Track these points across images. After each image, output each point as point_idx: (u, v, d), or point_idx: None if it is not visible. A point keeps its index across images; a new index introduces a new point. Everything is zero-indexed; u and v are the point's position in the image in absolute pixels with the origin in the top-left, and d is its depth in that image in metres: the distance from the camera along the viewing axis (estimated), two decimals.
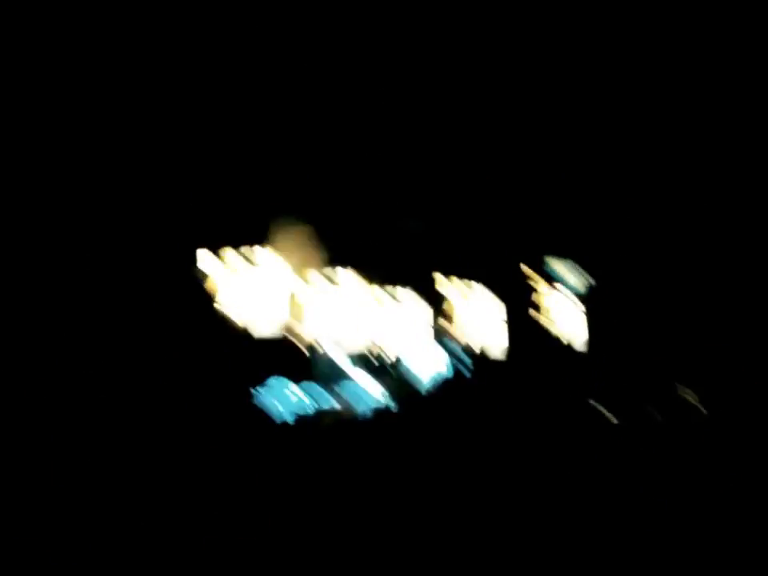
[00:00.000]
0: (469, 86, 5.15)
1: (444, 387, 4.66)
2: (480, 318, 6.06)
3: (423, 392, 5.07)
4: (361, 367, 5.27)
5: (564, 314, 6.53)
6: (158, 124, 4.49)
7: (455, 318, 5.95)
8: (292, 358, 5.04)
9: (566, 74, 5.13)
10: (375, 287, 5.58)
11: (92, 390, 3.50)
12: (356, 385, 5.11)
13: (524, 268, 6.36)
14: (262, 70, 4.71)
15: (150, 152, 4.47)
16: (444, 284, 5.96)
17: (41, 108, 4.04)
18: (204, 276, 4.82)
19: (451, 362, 5.71)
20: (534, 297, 6.44)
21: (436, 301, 5.91)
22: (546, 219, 6.18)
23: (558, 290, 6.58)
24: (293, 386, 4.79)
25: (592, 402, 4.23)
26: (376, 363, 5.41)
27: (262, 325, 4.99)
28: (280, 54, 4.69)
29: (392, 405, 4.82)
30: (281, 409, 4.55)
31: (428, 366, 5.57)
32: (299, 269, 5.23)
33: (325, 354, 5.23)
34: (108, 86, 4.24)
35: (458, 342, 5.90)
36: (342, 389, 5.00)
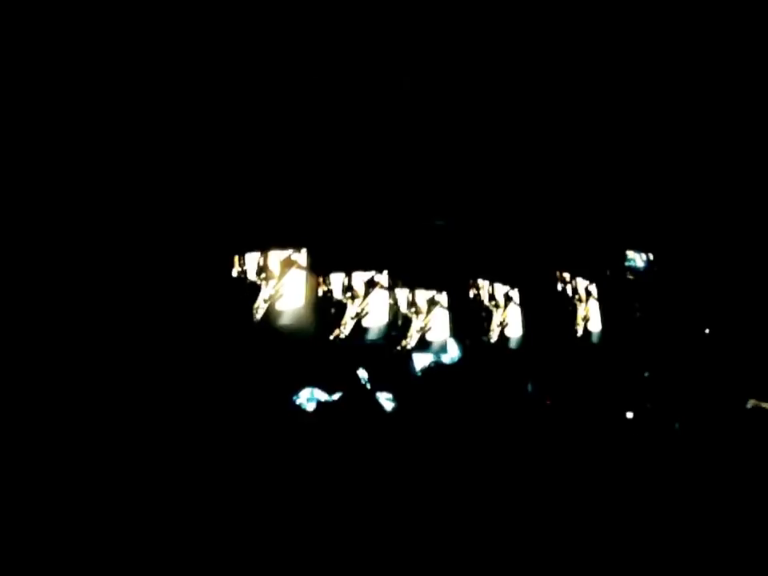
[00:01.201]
0: (513, 87, 5.05)
1: (467, 385, 4.66)
2: (509, 318, 6.00)
3: (446, 393, 5.08)
4: (387, 369, 5.26)
5: (592, 312, 6.42)
6: (191, 130, 4.53)
7: (486, 318, 5.90)
8: (321, 361, 5.03)
9: (607, 75, 4.98)
10: (406, 289, 5.55)
11: (123, 388, 3.58)
12: (379, 386, 5.11)
13: (558, 270, 6.26)
14: (283, 75, 4.72)
15: (175, 154, 4.51)
16: (476, 285, 5.91)
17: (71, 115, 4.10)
18: (239, 280, 4.84)
19: (475, 360, 5.69)
20: (567, 297, 6.32)
21: (467, 301, 5.86)
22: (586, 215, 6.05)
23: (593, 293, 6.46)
24: (320, 391, 4.79)
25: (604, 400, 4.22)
26: (402, 364, 5.40)
27: (293, 327, 5.01)
28: (304, 57, 4.68)
29: (415, 405, 4.83)
30: (307, 409, 4.57)
31: (453, 366, 5.55)
32: (332, 272, 5.24)
33: (354, 356, 5.24)
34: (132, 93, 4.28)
35: (484, 340, 5.85)
36: (368, 389, 5.02)
